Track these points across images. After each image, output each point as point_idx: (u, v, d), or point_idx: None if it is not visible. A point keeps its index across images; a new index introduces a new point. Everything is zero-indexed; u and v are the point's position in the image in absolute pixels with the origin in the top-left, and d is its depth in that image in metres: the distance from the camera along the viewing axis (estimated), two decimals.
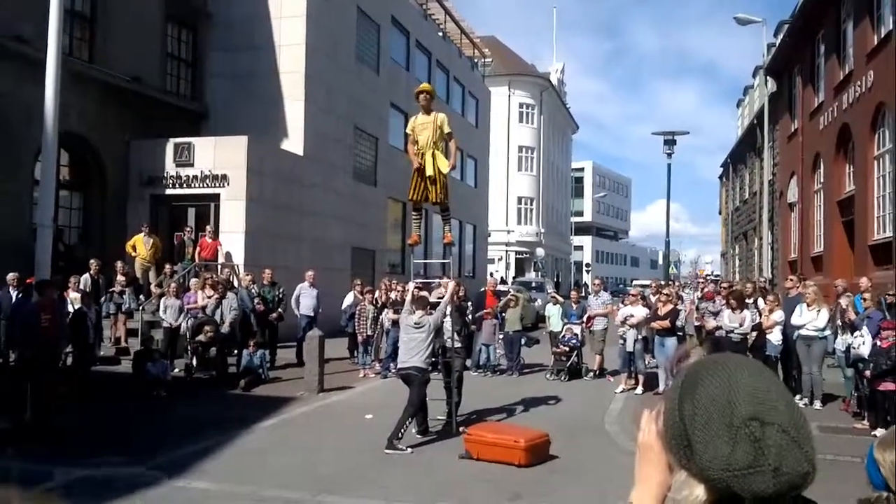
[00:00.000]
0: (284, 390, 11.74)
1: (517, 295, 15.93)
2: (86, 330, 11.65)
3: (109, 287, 14.45)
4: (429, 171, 8.88)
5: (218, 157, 17.42)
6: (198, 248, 16.41)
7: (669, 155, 25.52)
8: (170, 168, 17.67)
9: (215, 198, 17.44)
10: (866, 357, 9.18)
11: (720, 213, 53.57)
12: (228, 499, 6.44)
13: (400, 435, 8.03)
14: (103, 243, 16.89)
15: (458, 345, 9.66)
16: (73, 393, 10.12)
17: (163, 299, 13.51)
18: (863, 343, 9.36)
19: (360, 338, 13.99)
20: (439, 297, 9.37)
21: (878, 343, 8.95)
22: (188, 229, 17.15)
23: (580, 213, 76.23)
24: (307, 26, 19.88)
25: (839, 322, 10.62)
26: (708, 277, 30.14)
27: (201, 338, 12.40)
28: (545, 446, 7.73)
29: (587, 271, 65.67)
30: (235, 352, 13.15)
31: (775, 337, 11.12)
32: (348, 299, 14.98)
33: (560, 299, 15.52)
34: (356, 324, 14.03)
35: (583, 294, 16.03)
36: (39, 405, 8.91)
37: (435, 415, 9.15)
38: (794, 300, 11.49)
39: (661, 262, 50.66)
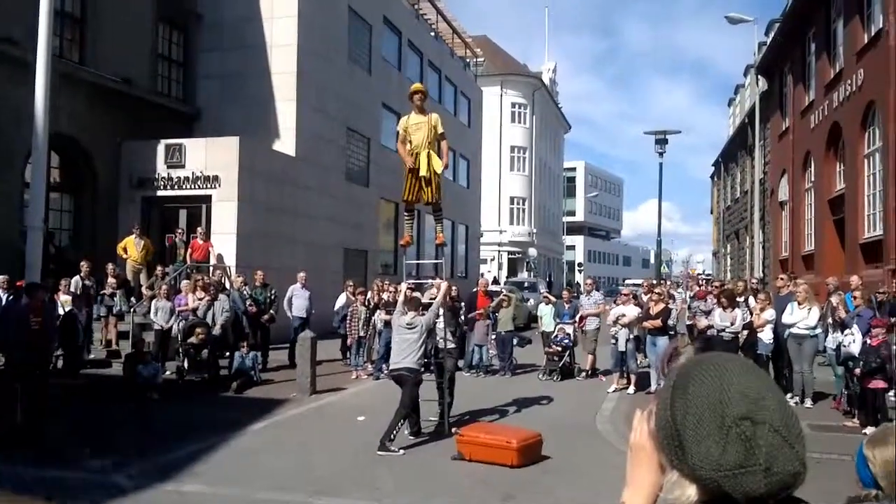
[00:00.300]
0: (277, 392, 11.71)
1: (509, 295, 15.93)
2: (75, 332, 11.59)
3: (100, 289, 14.38)
4: (423, 172, 8.89)
5: (209, 158, 17.36)
6: (189, 250, 16.35)
7: (661, 154, 25.63)
8: (161, 169, 17.61)
9: (207, 199, 17.39)
10: (856, 355, 9.23)
11: (712, 212, 53.77)
12: (221, 501, 6.41)
13: (392, 436, 8.02)
14: (94, 245, 16.81)
15: (451, 345, 9.65)
16: (63, 396, 10.06)
17: (154, 301, 13.45)
18: (853, 341, 9.42)
19: (351, 339, 13.96)
20: (431, 298, 9.36)
21: (869, 341, 9.00)
22: (179, 231, 17.08)
23: (572, 213, 76.30)
24: (299, 27, 19.84)
25: (830, 320, 10.67)
26: (699, 277, 30.24)
27: (193, 340, 12.35)
28: (537, 447, 7.74)
29: (579, 271, 65.83)
30: (227, 354, 13.11)
31: (766, 335, 11.15)
32: (340, 300, 14.95)
33: (552, 299, 15.52)
34: (348, 325, 14.01)
35: (575, 294, 16.04)
36: (30, 409, 8.86)
37: (427, 416, 9.14)
38: (786, 299, 11.53)
39: (652, 261, 50.78)
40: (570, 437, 8.86)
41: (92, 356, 13.53)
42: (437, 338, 9.44)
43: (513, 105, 52.06)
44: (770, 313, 11.18)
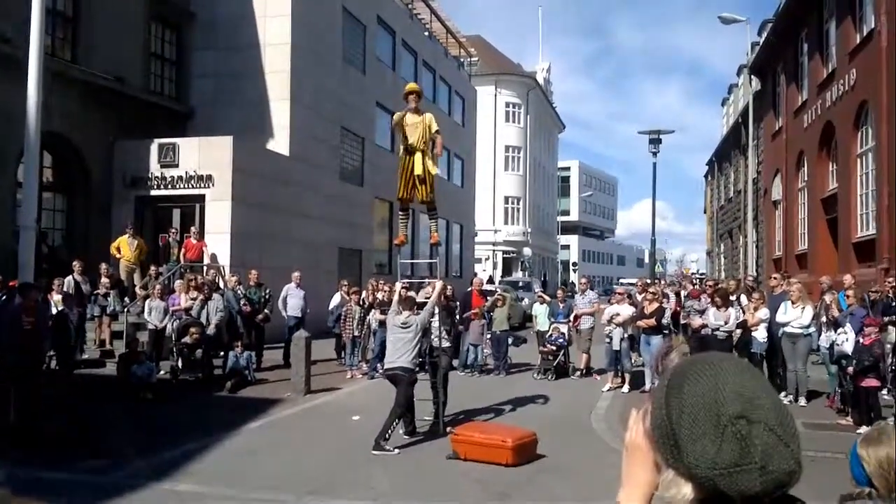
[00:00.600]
0: (271, 392, 11.69)
1: (504, 295, 15.95)
2: (67, 332, 11.54)
3: (94, 289, 14.32)
4: (418, 171, 8.91)
5: (203, 157, 17.32)
6: (183, 250, 16.29)
7: (655, 154, 25.68)
8: (154, 169, 17.55)
9: (200, 198, 17.34)
10: (849, 354, 9.27)
11: (705, 212, 53.87)
12: (215, 501, 6.40)
13: (387, 436, 8.02)
14: (87, 245, 16.75)
15: (446, 344, 9.65)
16: (57, 396, 10.02)
17: (148, 301, 13.41)
18: (846, 340, 9.45)
19: (346, 338, 13.95)
20: (426, 297, 9.36)
21: (861, 340, 9.03)
22: (173, 230, 17.02)
23: (567, 213, 76.42)
24: (292, 26, 19.80)
25: (823, 319, 10.70)
26: (693, 276, 30.31)
27: (187, 339, 12.32)
28: (532, 446, 7.74)
29: (574, 270, 65.89)
30: (221, 353, 13.09)
31: (761, 334, 11.18)
32: (335, 300, 14.94)
33: (547, 298, 15.55)
34: (343, 324, 14.00)
35: (569, 293, 16.06)
36: (24, 409, 8.82)
37: (422, 415, 9.14)
38: (779, 298, 11.57)
39: (647, 260, 50.88)
40: (564, 436, 8.87)
41: (86, 356, 13.49)
42: (432, 337, 9.44)
43: (507, 105, 52.07)
44: (764, 312, 11.22)
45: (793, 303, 10.85)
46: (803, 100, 22.74)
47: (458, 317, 13.69)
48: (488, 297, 15.59)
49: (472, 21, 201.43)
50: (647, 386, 11.72)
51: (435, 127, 9.11)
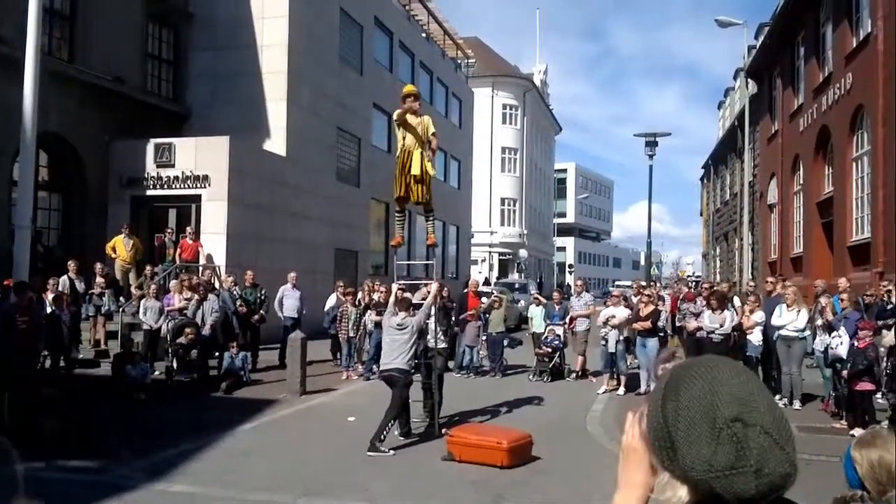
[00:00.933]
0: (266, 393, 11.68)
1: (500, 296, 15.95)
2: (59, 332, 11.51)
3: (89, 289, 14.30)
4: (416, 171, 8.91)
5: (199, 157, 17.29)
6: (178, 250, 16.28)
7: (651, 156, 25.67)
8: (150, 169, 17.52)
9: (196, 199, 17.32)
10: (844, 357, 9.29)
11: (701, 215, 54.02)
12: (210, 502, 6.39)
13: (382, 437, 8.01)
14: (83, 245, 16.71)
15: (442, 345, 9.66)
16: (55, 395, 9.99)
17: (143, 301, 13.38)
18: (840, 343, 9.47)
19: (342, 339, 13.93)
20: (422, 299, 9.36)
21: (856, 343, 9.05)
22: (169, 230, 17.00)
23: (563, 215, 76.43)
24: (290, 27, 19.79)
25: (818, 322, 10.72)
26: (688, 279, 30.35)
27: (182, 340, 12.29)
28: (528, 447, 7.75)
29: (570, 272, 65.92)
30: (217, 354, 13.06)
31: (756, 337, 11.20)
32: (331, 301, 14.93)
33: (543, 300, 15.55)
34: (339, 326, 13.99)
35: (565, 295, 16.07)
36: (19, 409, 8.80)
37: (415, 417, 9.14)
38: (774, 301, 11.59)
39: (643, 263, 50.95)
40: (560, 437, 8.87)
41: (80, 356, 13.46)
42: (428, 338, 9.44)
43: (504, 106, 52.11)
44: (759, 315, 11.23)
45: (788, 306, 10.86)
46: (799, 103, 22.81)
47: (454, 318, 13.68)
48: (484, 299, 15.58)
49: (470, 23, 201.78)
50: (643, 388, 11.73)
51: (432, 129, 9.13)
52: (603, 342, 12.79)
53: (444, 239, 31.52)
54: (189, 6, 20.56)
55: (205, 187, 17.18)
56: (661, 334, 12.72)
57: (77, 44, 17.28)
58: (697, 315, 11.81)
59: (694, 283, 21.86)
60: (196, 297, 13.17)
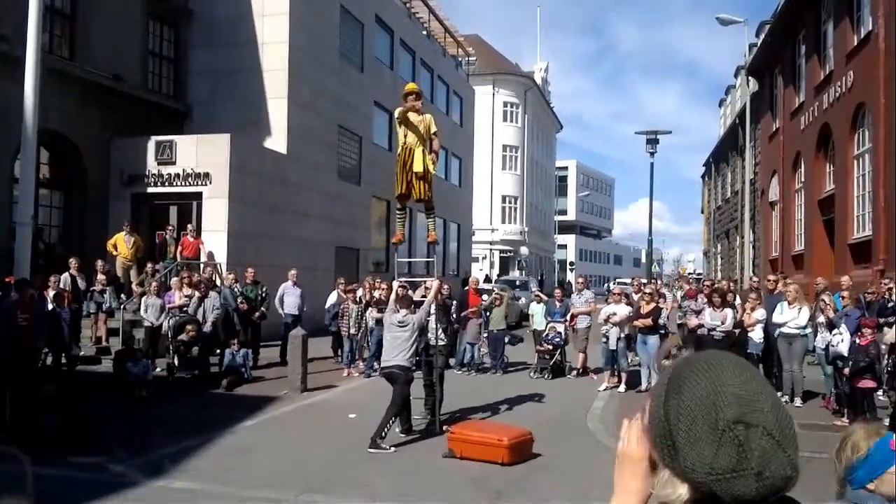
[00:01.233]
0: (267, 390, 11.68)
1: (501, 294, 15.95)
2: (60, 330, 11.51)
3: (90, 286, 14.31)
4: (417, 167, 8.91)
5: (200, 155, 17.30)
6: (179, 247, 16.29)
7: (652, 154, 25.69)
8: (151, 166, 17.54)
9: (197, 196, 17.33)
10: (845, 355, 9.29)
11: (702, 212, 53.97)
12: (210, 499, 6.40)
13: (383, 434, 8.02)
14: (84, 242, 16.73)
15: (442, 342, 9.66)
16: (56, 392, 10.00)
17: (144, 298, 13.39)
18: (841, 341, 9.47)
19: (343, 336, 13.95)
20: (423, 296, 9.37)
21: (857, 341, 9.05)
22: (170, 228, 17.01)
23: (564, 212, 76.43)
24: (290, 24, 19.78)
25: (820, 320, 10.72)
26: (689, 276, 30.35)
27: (183, 337, 12.31)
28: (528, 444, 7.75)
29: (571, 270, 65.92)
30: (218, 351, 13.07)
31: (757, 335, 11.20)
32: (332, 298, 14.93)
33: (544, 298, 15.55)
34: (340, 323, 14.00)
35: (566, 292, 16.06)
36: (20, 405, 8.81)
37: (415, 413, 9.14)
38: (776, 298, 11.59)
39: (644, 260, 50.94)
40: (560, 435, 8.88)
41: (82, 353, 13.48)
42: (429, 335, 9.45)
43: (505, 104, 52.09)
44: (761, 313, 11.24)
45: (789, 303, 10.86)
46: (800, 101, 22.78)
47: (454, 315, 13.69)
48: (484, 296, 15.58)
49: (470, 20, 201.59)
50: (644, 386, 11.74)
51: (434, 128, 9.13)
52: (604, 339, 12.80)
53: (445, 236, 31.52)
54: (189, 4, 20.54)
55: (206, 185, 17.18)
56: (662, 332, 12.71)
57: (77, 42, 17.28)
58: (698, 312, 11.81)
59: (695, 281, 21.86)
60: (197, 294, 13.17)
